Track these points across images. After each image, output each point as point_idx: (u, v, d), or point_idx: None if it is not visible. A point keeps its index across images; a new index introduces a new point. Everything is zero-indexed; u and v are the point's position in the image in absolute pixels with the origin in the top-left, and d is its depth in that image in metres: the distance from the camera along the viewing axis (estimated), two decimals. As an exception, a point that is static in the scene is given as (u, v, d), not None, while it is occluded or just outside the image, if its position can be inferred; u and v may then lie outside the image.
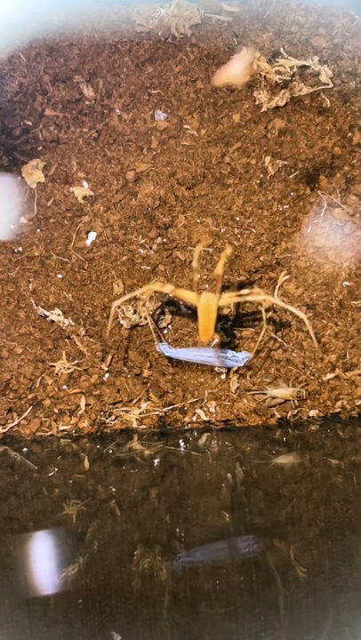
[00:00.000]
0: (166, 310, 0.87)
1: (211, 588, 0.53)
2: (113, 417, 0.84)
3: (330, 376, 0.85)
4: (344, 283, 0.86)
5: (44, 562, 0.59)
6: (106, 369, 0.85)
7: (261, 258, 0.86)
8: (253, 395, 0.84)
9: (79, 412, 0.84)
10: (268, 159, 0.86)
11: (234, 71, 0.69)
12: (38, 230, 0.89)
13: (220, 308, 0.74)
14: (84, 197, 0.88)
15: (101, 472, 0.75)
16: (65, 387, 0.85)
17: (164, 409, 0.85)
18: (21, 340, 0.85)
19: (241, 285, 0.86)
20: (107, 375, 0.86)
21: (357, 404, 0.85)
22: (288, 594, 0.53)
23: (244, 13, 0.88)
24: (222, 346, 0.85)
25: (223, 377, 0.86)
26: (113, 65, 0.89)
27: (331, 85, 0.87)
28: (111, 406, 0.84)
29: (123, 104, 0.89)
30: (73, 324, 0.86)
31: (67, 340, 0.86)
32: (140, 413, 0.84)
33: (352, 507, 0.65)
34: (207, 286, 0.87)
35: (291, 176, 0.87)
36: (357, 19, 0.88)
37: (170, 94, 0.89)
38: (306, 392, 0.84)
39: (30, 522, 0.65)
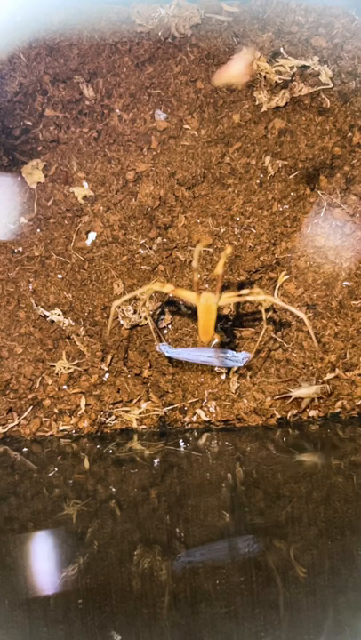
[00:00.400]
0: (166, 310, 0.87)
1: (211, 588, 0.53)
2: (113, 417, 0.85)
3: (330, 376, 0.85)
4: (344, 283, 0.86)
5: (44, 562, 0.59)
6: (106, 369, 0.85)
7: (261, 258, 0.86)
8: (276, 399, 0.84)
9: (79, 412, 0.84)
10: (268, 159, 0.86)
11: (234, 71, 0.69)
12: (38, 230, 0.89)
13: (220, 308, 0.74)
14: (84, 197, 0.89)
15: (101, 472, 0.75)
16: (65, 387, 0.85)
17: (164, 409, 0.85)
18: (21, 340, 0.85)
19: (241, 285, 0.86)
20: (107, 375, 0.86)
21: (357, 403, 0.85)
22: (288, 594, 0.53)
23: (244, 13, 0.88)
24: (222, 346, 0.85)
25: (223, 377, 0.86)
26: (113, 65, 0.89)
27: (331, 85, 0.87)
28: (111, 406, 0.84)
29: (123, 104, 0.89)
30: (73, 323, 0.86)
31: (67, 340, 0.86)
32: (140, 413, 0.84)
33: (352, 507, 0.65)
34: (207, 286, 0.87)
35: (291, 176, 0.87)
36: (357, 19, 0.88)
37: (170, 94, 0.89)
38: (329, 386, 0.83)
39: (30, 522, 0.65)
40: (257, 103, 0.87)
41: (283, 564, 0.56)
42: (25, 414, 0.84)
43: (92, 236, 0.88)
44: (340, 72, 0.87)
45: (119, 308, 0.85)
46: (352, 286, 0.86)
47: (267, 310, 0.83)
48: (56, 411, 0.84)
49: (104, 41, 0.89)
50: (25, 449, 0.80)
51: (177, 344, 0.87)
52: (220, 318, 0.87)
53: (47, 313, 0.85)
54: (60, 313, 0.86)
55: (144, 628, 0.50)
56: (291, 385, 0.84)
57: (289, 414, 0.85)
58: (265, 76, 0.86)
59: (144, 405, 0.84)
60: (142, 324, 0.86)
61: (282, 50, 0.87)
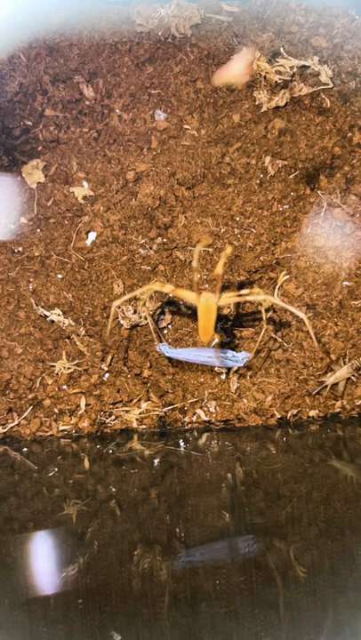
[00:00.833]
0: (166, 310, 0.87)
1: (211, 588, 0.53)
2: (113, 417, 0.85)
3: (330, 375, 0.85)
4: (344, 283, 0.86)
5: (44, 562, 0.59)
6: (106, 369, 0.85)
7: (261, 258, 0.86)
8: (315, 393, 0.84)
9: (79, 412, 0.84)
10: (268, 159, 0.86)
11: (234, 71, 0.69)
12: (38, 230, 0.89)
13: (220, 308, 0.74)
14: (84, 197, 0.89)
15: (101, 472, 0.75)
16: (65, 387, 0.85)
17: (164, 409, 0.85)
18: (21, 340, 0.85)
19: (241, 285, 0.86)
20: (107, 375, 0.86)
21: (357, 403, 0.85)
22: (288, 594, 0.53)
23: (244, 13, 0.88)
24: (222, 346, 0.85)
25: (223, 377, 0.86)
26: (113, 65, 0.89)
27: (331, 85, 0.87)
28: (111, 406, 0.84)
29: (123, 104, 0.89)
30: (73, 323, 0.86)
31: (67, 340, 0.86)
32: (140, 413, 0.84)
33: (352, 507, 0.65)
34: (207, 286, 0.87)
35: (291, 176, 0.87)
36: (357, 19, 0.88)
37: (170, 94, 0.89)
38: (358, 361, 0.84)
39: (30, 522, 0.65)
40: (257, 103, 0.87)
41: (283, 564, 0.56)
42: (25, 414, 0.84)
43: (92, 236, 0.88)
44: (340, 72, 0.87)
45: (119, 308, 0.85)
46: (352, 286, 0.86)
47: (267, 310, 0.83)
48: (56, 411, 0.84)
49: (104, 41, 0.89)
50: (25, 449, 0.80)
51: (177, 344, 0.87)
52: (220, 318, 0.87)
53: (47, 313, 0.85)
54: (60, 313, 0.86)
55: (144, 628, 0.50)
56: (319, 378, 0.84)
57: (289, 414, 0.85)
58: (265, 76, 0.86)
59: (144, 405, 0.84)
60: (142, 323, 0.86)
61: (282, 50, 0.87)
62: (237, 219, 0.86)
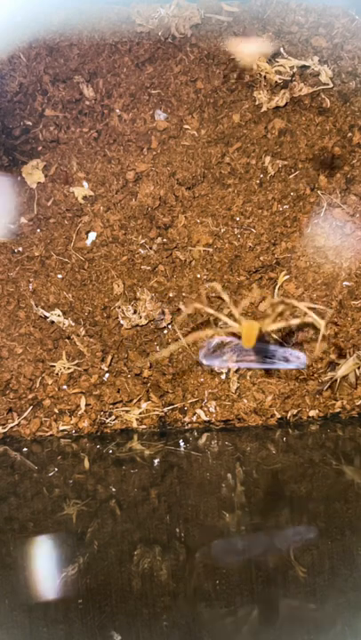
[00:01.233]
0: (166, 310, 0.87)
1: (211, 588, 0.53)
2: (113, 417, 0.85)
3: (330, 375, 0.85)
4: (344, 283, 0.86)
5: (44, 562, 0.59)
6: (106, 369, 0.85)
7: (261, 258, 0.86)
8: (320, 390, 0.84)
9: (79, 412, 0.84)
10: (268, 159, 0.86)
11: (248, 50, 0.69)
12: (38, 230, 0.89)
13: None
14: (84, 197, 0.89)
15: (101, 472, 0.75)
16: (65, 387, 0.85)
17: (164, 409, 0.85)
18: (21, 339, 0.85)
19: (241, 285, 0.86)
20: (107, 375, 0.86)
21: (357, 403, 0.85)
22: (288, 594, 0.53)
23: (244, 13, 0.88)
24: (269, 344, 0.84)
25: (223, 377, 0.86)
26: (113, 65, 0.89)
27: (331, 85, 0.87)
28: (111, 406, 0.84)
29: (123, 104, 0.89)
30: (73, 324, 0.86)
31: (67, 340, 0.86)
32: (140, 413, 0.84)
33: (352, 507, 0.65)
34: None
35: (291, 176, 0.87)
36: (357, 19, 0.88)
37: (170, 94, 0.89)
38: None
39: (30, 522, 0.65)
40: (257, 103, 0.87)
41: (283, 564, 0.56)
42: (25, 414, 0.84)
43: (92, 235, 0.88)
44: (340, 72, 0.87)
45: (119, 308, 0.85)
46: (352, 286, 0.86)
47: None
48: (56, 411, 0.84)
49: (104, 41, 0.89)
50: (25, 449, 0.80)
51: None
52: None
53: (47, 314, 0.85)
54: (60, 313, 0.86)
55: (144, 628, 0.50)
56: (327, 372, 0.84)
57: (289, 414, 0.85)
58: (265, 76, 0.86)
59: (144, 405, 0.84)
60: (142, 323, 0.86)
61: (282, 50, 0.87)
62: (237, 219, 0.86)
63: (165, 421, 0.86)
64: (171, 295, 0.87)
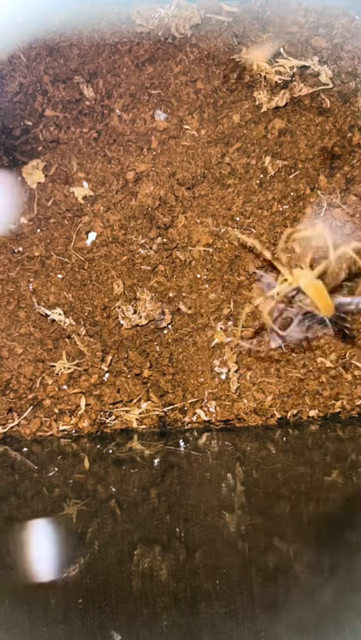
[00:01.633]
0: (166, 310, 0.87)
1: (211, 588, 0.53)
2: (113, 417, 0.85)
3: (332, 373, 0.85)
4: (344, 283, 0.86)
5: (44, 561, 0.59)
6: (106, 369, 0.85)
7: (261, 258, 0.86)
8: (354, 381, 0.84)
9: (79, 412, 0.84)
10: (268, 159, 0.86)
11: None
12: (38, 230, 0.89)
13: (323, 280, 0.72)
14: (84, 197, 0.89)
15: (101, 472, 0.75)
16: (65, 387, 0.85)
17: (164, 409, 0.85)
18: (21, 340, 0.85)
19: (241, 285, 0.86)
20: (107, 375, 0.86)
21: (357, 403, 0.85)
22: (288, 594, 0.53)
23: (244, 13, 0.88)
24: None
25: (223, 377, 0.86)
26: (113, 65, 0.89)
27: (331, 85, 0.87)
28: (111, 406, 0.84)
29: (123, 104, 0.89)
30: (73, 323, 0.86)
31: (67, 339, 0.86)
32: (140, 413, 0.84)
33: (352, 507, 0.65)
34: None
35: (291, 176, 0.87)
36: (357, 19, 0.88)
37: (170, 94, 0.89)
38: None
39: (30, 522, 0.65)
40: (257, 103, 0.87)
41: (283, 564, 0.56)
42: (25, 414, 0.84)
43: (92, 235, 0.88)
44: (340, 72, 0.87)
45: (119, 308, 0.85)
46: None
47: None
48: (56, 411, 0.84)
49: (104, 41, 0.89)
50: (25, 449, 0.80)
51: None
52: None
53: (48, 312, 0.85)
54: (61, 312, 0.86)
55: (144, 627, 0.50)
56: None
57: (289, 414, 0.85)
58: (265, 77, 0.86)
59: (144, 405, 0.84)
60: (142, 323, 0.86)
61: (282, 50, 0.87)
62: (237, 219, 0.86)
63: (165, 421, 0.86)
64: (171, 295, 0.87)
